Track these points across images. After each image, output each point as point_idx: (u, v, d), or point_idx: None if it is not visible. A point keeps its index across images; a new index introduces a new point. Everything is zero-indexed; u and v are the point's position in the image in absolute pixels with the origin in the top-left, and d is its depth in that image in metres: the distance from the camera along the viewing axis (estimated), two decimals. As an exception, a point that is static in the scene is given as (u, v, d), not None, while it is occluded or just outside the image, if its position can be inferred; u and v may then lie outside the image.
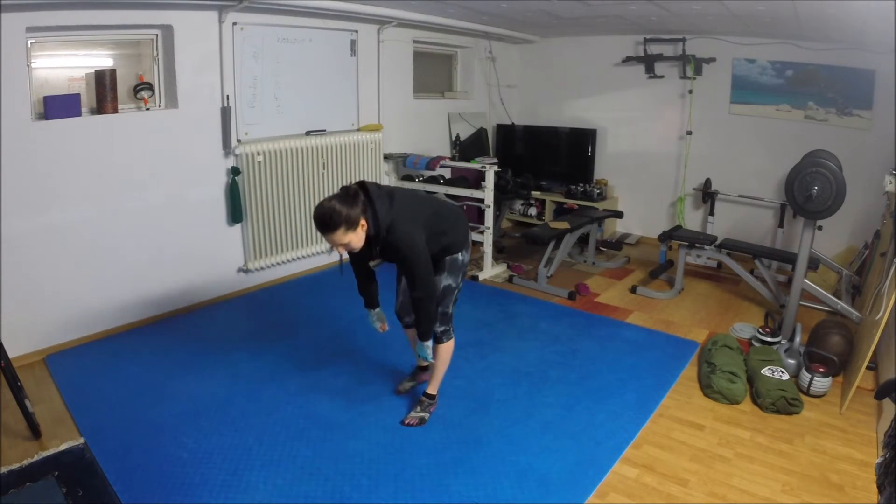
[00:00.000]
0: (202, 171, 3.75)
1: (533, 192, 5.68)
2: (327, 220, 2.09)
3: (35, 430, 2.47)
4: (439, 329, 2.50)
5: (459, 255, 2.48)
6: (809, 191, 3.06)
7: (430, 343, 2.44)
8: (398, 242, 2.19)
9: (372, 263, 2.39)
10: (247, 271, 4.11)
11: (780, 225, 4.83)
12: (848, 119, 4.54)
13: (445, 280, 2.47)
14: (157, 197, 3.54)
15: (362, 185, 2.22)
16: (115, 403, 2.73)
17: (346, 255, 2.35)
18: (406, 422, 2.58)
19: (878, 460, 2.12)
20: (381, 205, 2.18)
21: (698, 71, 5.08)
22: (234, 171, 3.84)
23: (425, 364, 2.74)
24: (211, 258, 3.91)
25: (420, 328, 2.39)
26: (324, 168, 4.40)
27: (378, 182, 2.32)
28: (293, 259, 4.35)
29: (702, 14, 4.06)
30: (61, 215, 3.15)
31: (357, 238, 2.16)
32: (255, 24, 3.81)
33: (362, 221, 2.15)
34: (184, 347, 3.31)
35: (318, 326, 3.60)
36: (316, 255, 4.53)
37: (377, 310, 2.64)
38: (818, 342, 3.13)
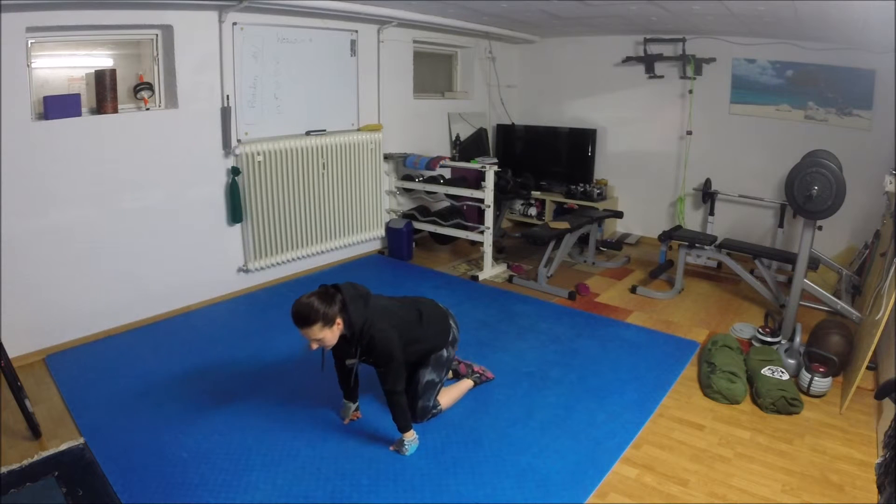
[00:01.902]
0: (202, 171, 3.75)
1: (533, 192, 5.68)
2: (305, 315, 2.19)
3: (35, 430, 2.47)
4: (427, 416, 2.56)
5: (444, 352, 2.62)
6: (809, 191, 3.06)
7: (412, 437, 2.39)
8: (373, 340, 2.29)
9: (348, 362, 2.43)
10: (247, 271, 4.12)
11: (780, 225, 4.83)
12: (848, 119, 4.54)
13: (429, 375, 2.58)
14: (157, 197, 3.54)
15: (337, 287, 2.32)
16: (115, 403, 2.73)
17: (327, 351, 2.41)
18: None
19: (878, 460, 2.12)
20: (356, 307, 2.29)
21: (698, 71, 5.08)
22: (234, 171, 3.84)
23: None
24: (211, 258, 3.91)
25: (398, 422, 2.38)
26: (324, 168, 4.40)
27: (353, 284, 2.39)
28: (293, 259, 4.36)
29: (702, 14, 4.06)
30: (61, 215, 3.15)
31: (332, 335, 2.25)
32: (255, 24, 3.81)
33: (338, 320, 2.25)
34: (184, 347, 3.31)
35: (318, 326, 3.59)
36: (316, 255, 4.54)
37: (353, 404, 2.61)
38: (818, 342, 3.13)
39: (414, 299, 2.70)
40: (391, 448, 2.42)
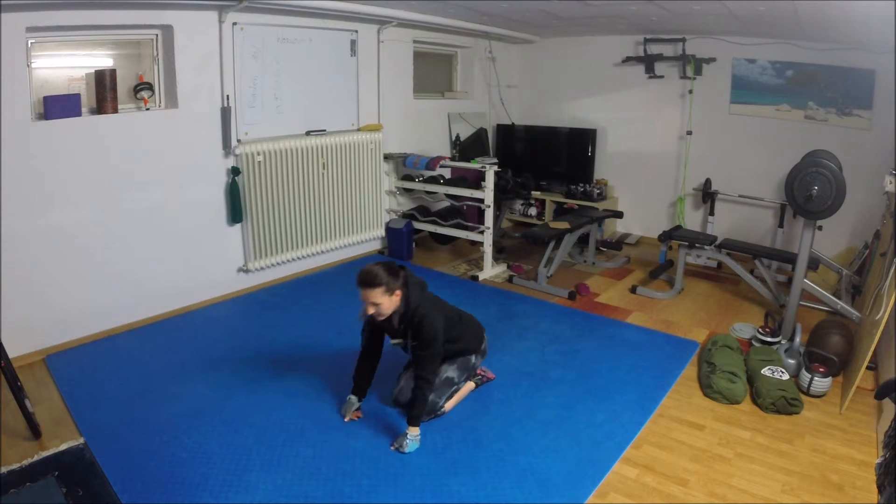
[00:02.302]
0: (202, 171, 3.75)
1: (533, 192, 5.68)
2: (371, 278, 2.34)
3: (35, 430, 2.47)
4: (432, 413, 2.58)
5: (472, 358, 2.78)
6: (809, 191, 3.06)
7: (416, 434, 2.41)
8: (423, 321, 2.43)
9: (394, 342, 2.55)
10: (247, 271, 4.12)
11: (780, 225, 4.83)
12: (848, 119, 4.54)
13: (451, 372, 2.67)
14: (156, 197, 3.54)
15: (404, 268, 2.49)
16: (115, 403, 2.73)
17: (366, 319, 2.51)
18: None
19: (878, 460, 2.12)
20: (415, 289, 2.47)
21: (698, 71, 5.08)
22: (234, 171, 3.84)
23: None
24: (211, 258, 3.91)
25: (413, 410, 2.43)
26: (324, 168, 4.40)
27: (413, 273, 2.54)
28: (293, 259, 4.36)
29: (702, 14, 4.06)
30: (61, 215, 3.15)
31: (389, 304, 2.39)
32: (255, 24, 3.81)
33: (398, 292, 2.40)
34: (184, 347, 3.31)
35: (318, 326, 3.60)
36: (316, 255, 4.54)
37: (358, 402, 2.63)
38: (818, 342, 3.13)
39: (455, 307, 2.81)
40: (392, 446, 2.42)
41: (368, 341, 2.62)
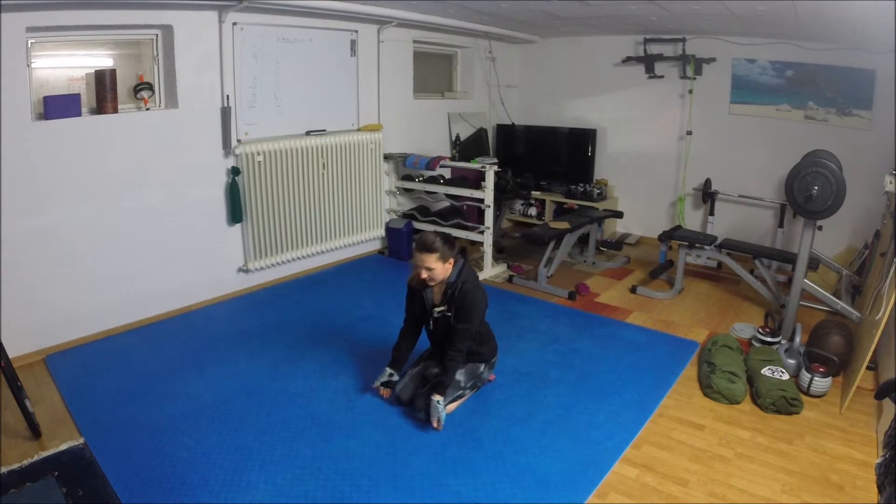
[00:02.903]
0: (202, 171, 3.75)
1: (533, 192, 5.67)
2: (430, 243, 2.51)
3: (35, 430, 2.47)
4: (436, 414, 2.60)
5: (482, 367, 2.79)
6: (809, 191, 3.06)
7: (442, 401, 2.51)
8: (467, 294, 2.56)
9: (437, 310, 2.64)
10: (247, 271, 4.11)
11: (780, 225, 4.83)
12: (848, 119, 4.54)
13: (460, 375, 2.68)
14: (157, 197, 3.54)
15: (463, 249, 2.62)
16: (115, 403, 2.73)
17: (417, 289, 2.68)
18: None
19: (878, 460, 2.12)
20: (467, 267, 2.64)
21: (698, 71, 5.08)
22: (234, 171, 3.84)
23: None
24: (211, 258, 3.91)
25: (443, 379, 2.54)
26: (324, 168, 4.40)
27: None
28: (293, 259, 4.36)
29: (702, 14, 4.06)
30: (61, 215, 3.15)
31: (442, 270, 2.55)
32: (255, 24, 3.81)
33: (451, 260, 2.56)
34: (184, 347, 3.31)
35: (318, 326, 3.60)
36: (316, 255, 4.54)
37: (396, 374, 2.74)
38: (818, 342, 3.13)
39: None
40: (433, 424, 2.51)
41: (411, 315, 2.76)
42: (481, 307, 2.62)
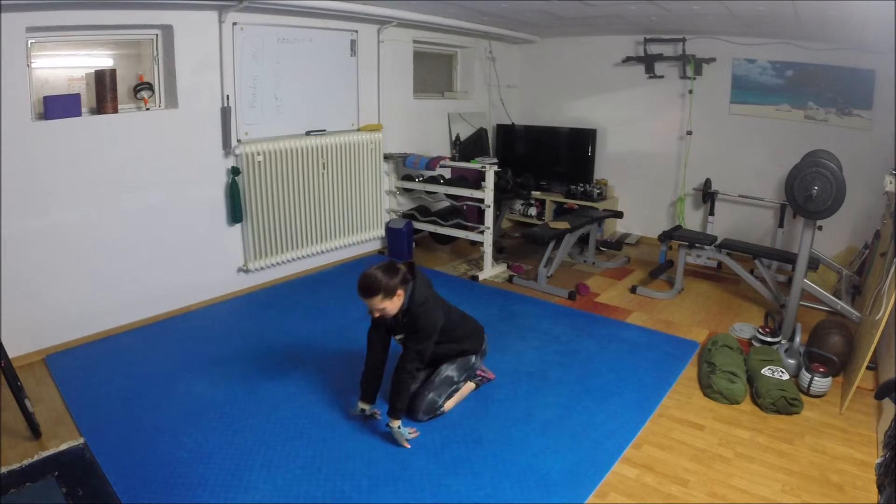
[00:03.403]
0: (202, 171, 3.75)
1: (533, 192, 5.67)
2: (367, 286, 2.33)
3: (35, 430, 2.46)
4: (432, 413, 2.61)
5: (472, 358, 2.78)
6: (809, 191, 3.06)
7: (399, 425, 2.41)
8: (421, 316, 2.43)
9: (397, 338, 2.53)
10: (247, 271, 4.11)
11: (780, 225, 4.83)
12: (848, 119, 4.54)
13: (451, 371, 2.68)
14: (156, 197, 3.54)
15: (412, 265, 2.49)
16: (115, 403, 2.73)
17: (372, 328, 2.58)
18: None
19: (878, 460, 2.11)
20: (421, 284, 2.48)
21: (698, 71, 5.08)
22: (234, 171, 3.84)
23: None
24: (211, 258, 3.91)
25: (394, 402, 2.42)
26: (324, 168, 4.40)
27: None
28: (293, 259, 4.36)
29: (702, 14, 4.06)
30: (61, 215, 3.15)
31: (392, 306, 2.39)
32: (255, 24, 3.81)
33: (399, 291, 2.39)
34: (184, 347, 3.31)
35: (318, 326, 3.60)
36: (316, 255, 4.54)
37: (369, 407, 2.57)
38: (818, 342, 3.13)
39: (458, 308, 2.82)
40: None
41: (374, 341, 2.58)
42: (434, 327, 2.45)
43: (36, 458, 2.31)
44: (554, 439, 2.50)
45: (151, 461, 2.31)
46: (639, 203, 5.70)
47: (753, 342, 3.38)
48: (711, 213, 5.12)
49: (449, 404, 2.67)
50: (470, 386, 2.84)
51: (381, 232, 5.05)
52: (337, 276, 4.54)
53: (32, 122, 3.00)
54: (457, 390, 2.73)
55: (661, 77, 5.29)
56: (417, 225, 5.04)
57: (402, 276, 2.39)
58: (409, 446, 2.41)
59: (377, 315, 2.41)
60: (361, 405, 2.57)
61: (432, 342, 2.47)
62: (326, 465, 2.31)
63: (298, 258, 4.40)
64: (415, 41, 5.09)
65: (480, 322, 2.91)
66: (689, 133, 5.24)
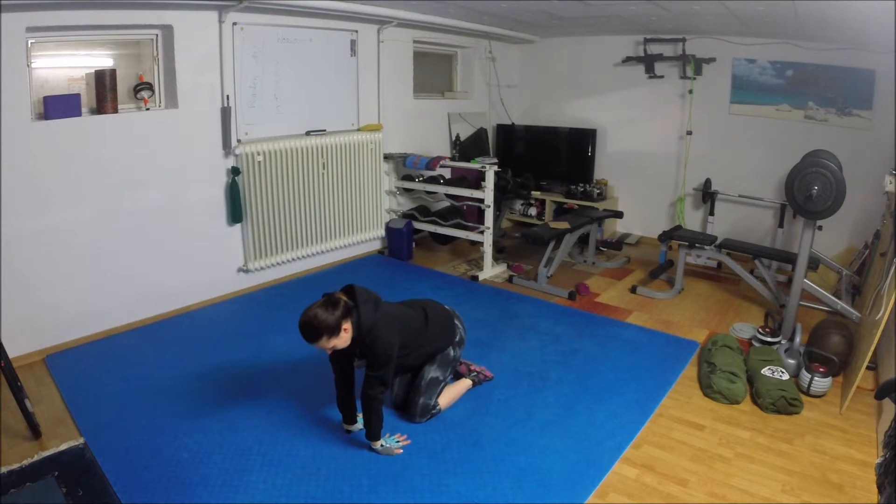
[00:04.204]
0: (202, 171, 3.75)
1: (533, 192, 5.68)
2: (310, 331, 2.20)
3: (35, 430, 2.47)
4: (427, 415, 2.59)
5: (451, 351, 2.69)
6: (809, 191, 3.06)
7: (381, 443, 2.38)
8: (375, 343, 2.30)
9: (357, 364, 2.43)
10: (247, 271, 4.11)
11: (780, 225, 4.83)
12: (848, 119, 4.54)
13: (434, 372, 2.62)
14: (156, 197, 3.54)
15: (350, 289, 2.35)
16: (115, 403, 2.73)
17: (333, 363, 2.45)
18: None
19: (878, 460, 2.12)
20: (367, 309, 2.31)
21: (698, 71, 5.08)
22: (234, 171, 3.84)
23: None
24: (211, 258, 3.91)
25: (370, 428, 2.37)
26: (324, 168, 4.40)
27: (366, 288, 2.41)
28: (293, 259, 4.36)
29: (702, 14, 4.06)
30: (61, 215, 3.15)
31: (341, 341, 2.26)
32: (255, 24, 3.81)
33: (344, 325, 2.25)
34: (184, 347, 3.31)
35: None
36: (316, 255, 4.54)
37: (353, 426, 2.52)
38: (818, 342, 3.13)
39: (419, 302, 2.73)
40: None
41: (336, 369, 2.46)
42: (389, 353, 2.33)
43: (36, 458, 2.31)
44: (554, 439, 2.50)
45: (151, 461, 2.31)
46: (639, 203, 5.70)
47: (753, 342, 3.38)
48: (711, 213, 5.12)
49: (443, 402, 2.66)
50: (467, 383, 2.84)
51: (382, 232, 5.05)
52: (337, 276, 4.54)
53: (32, 122, 3.00)
54: (444, 387, 2.69)
55: (661, 77, 5.29)
56: (417, 225, 5.04)
57: (342, 309, 2.24)
58: (402, 452, 2.39)
59: (330, 352, 2.31)
60: (346, 427, 2.54)
61: (391, 366, 2.36)
62: (326, 465, 2.31)
63: (298, 258, 4.40)
64: (415, 41, 5.09)
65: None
66: (689, 133, 5.24)
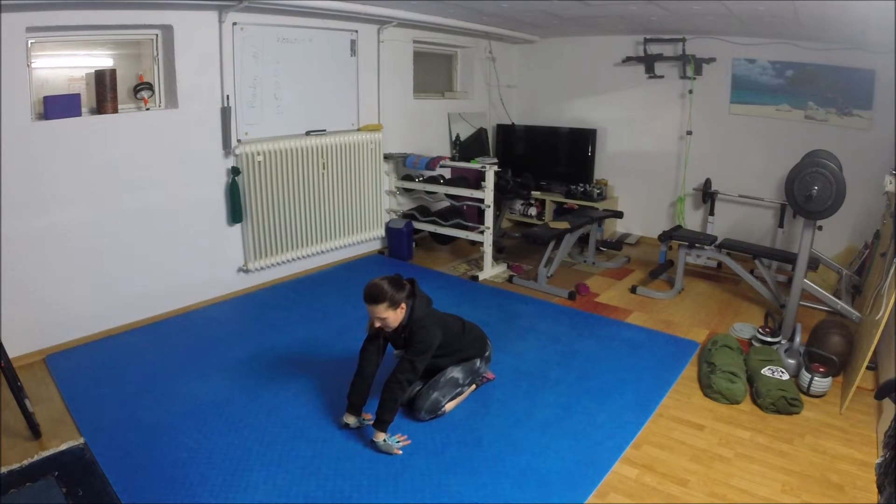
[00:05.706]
0: (202, 171, 3.75)
1: (533, 192, 5.68)
2: (376, 294, 2.37)
3: (35, 430, 2.47)
4: (434, 413, 2.62)
5: (477, 362, 2.80)
6: (809, 191, 3.06)
7: (384, 438, 2.38)
8: (419, 332, 2.45)
9: (396, 352, 2.58)
10: (247, 271, 4.11)
11: (780, 225, 4.83)
12: (848, 119, 4.54)
13: (456, 373, 2.71)
14: (157, 197, 3.54)
15: (412, 281, 2.54)
16: (115, 403, 2.73)
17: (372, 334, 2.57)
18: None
19: (878, 460, 2.12)
20: (422, 302, 2.51)
21: (698, 71, 5.08)
22: (234, 171, 3.84)
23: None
24: (211, 258, 3.91)
25: (383, 414, 2.38)
26: (324, 168, 4.40)
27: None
28: (293, 259, 4.36)
29: (702, 14, 4.06)
30: (61, 215, 3.15)
31: (395, 317, 2.42)
32: (255, 24, 3.81)
33: (403, 305, 2.43)
34: (184, 347, 3.31)
35: (318, 326, 3.59)
36: (316, 255, 4.54)
37: (356, 420, 2.52)
38: (818, 342, 3.13)
39: (457, 316, 2.85)
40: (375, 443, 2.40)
41: (369, 352, 2.53)
42: (431, 343, 2.46)
43: (36, 458, 2.31)
44: (554, 439, 2.50)
45: (151, 461, 2.31)
46: (639, 203, 5.70)
47: (753, 342, 3.38)
48: (711, 213, 5.12)
49: (449, 406, 2.67)
50: (469, 387, 2.84)
51: (382, 232, 5.05)
52: (337, 276, 4.54)
53: (32, 122, 3.00)
54: (460, 393, 2.73)
55: (661, 77, 5.29)
56: (417, 225, 5.04)
57: (407, 292, 2.45)
58: (402, 453, 2.39)
59: (377, 325, 2.45)
60: (347, 419, 2.52)
61: (428, 357, 2.47)
62: (326, 465, 2.31)
63: (298, 258, 4.40)
64: (415, 41, 5.09)
65: (481, 322, 2.92)
66: (689, 133, 5.24)
